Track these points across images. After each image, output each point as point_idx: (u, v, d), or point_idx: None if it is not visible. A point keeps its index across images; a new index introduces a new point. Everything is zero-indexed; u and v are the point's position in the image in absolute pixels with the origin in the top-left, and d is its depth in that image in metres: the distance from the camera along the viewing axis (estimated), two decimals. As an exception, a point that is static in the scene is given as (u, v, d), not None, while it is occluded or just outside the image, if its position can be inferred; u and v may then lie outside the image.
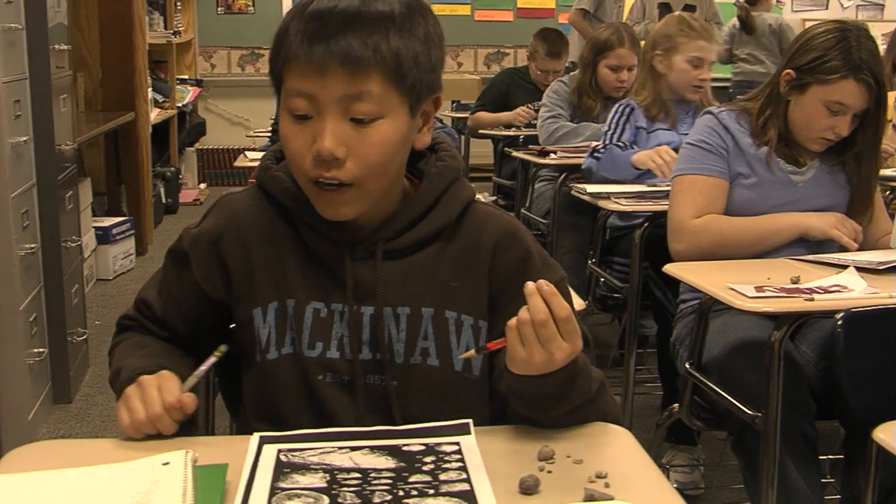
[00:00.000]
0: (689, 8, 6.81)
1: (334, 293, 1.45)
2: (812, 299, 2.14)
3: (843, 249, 2.56)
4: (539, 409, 1.36)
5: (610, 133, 3.69)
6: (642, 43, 4.14)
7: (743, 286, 2.19)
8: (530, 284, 1.28)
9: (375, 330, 1.45)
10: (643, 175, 3.51)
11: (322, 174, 1.35)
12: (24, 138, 3.45)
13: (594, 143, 4.18)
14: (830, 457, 2.56)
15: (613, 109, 3.77)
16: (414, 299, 1.45)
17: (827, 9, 9.63)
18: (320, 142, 1.33)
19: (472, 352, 1.40)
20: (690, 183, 2.68)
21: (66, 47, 3.99)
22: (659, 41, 3.64)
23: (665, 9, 6.91)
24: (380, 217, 1.45)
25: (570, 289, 2.26)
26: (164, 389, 1.36)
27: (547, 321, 1.26)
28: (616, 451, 1.34)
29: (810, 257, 2.50)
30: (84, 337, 4.00)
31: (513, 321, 1.29)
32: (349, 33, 1.31)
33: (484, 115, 5.62)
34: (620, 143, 3.62)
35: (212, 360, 1.45)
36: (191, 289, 1.52)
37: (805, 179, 2.66)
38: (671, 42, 3.61)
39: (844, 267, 2.35)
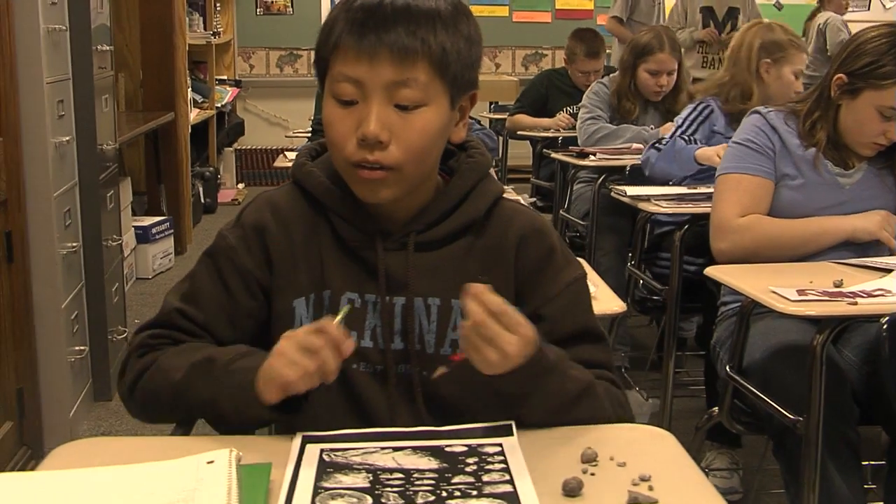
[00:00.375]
0: (733, 11, 6.73)
1: (368, 284, 1.48)
2: (855, 303, 2.12)
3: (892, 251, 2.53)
4: (512, 406, 1.37)
5: (681, 130, 3.62)
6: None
7: (785, 289, 2.17)
8: (465, 289, 1.30)
9: (406, 320, 1.47)
10: (703, 171, 3.47)
11: (366, 157, 1.38)
12: (67, 138, 3.49)
13: (635, 145, 4.19)
14: (873, 462, 2.53)
15: (691, 106, 3.68)
16: (444, 291, 1.48)
17: (869, 10, 9.54)
18: (366, 125, 1.36)
19: (443, 369, 1.41)
20: (736, 182, 2.66)
21: (108, 48, 4.03)
22: (768, 49, 3.50)
23: (708, 13, 6.80)
24: (412, 209, 1.49)
25: (611, 290, 2.29)
26: (322, 328, 1.32)
27: (483, 321, 1.27)
28: (659, 454, 1.33)
29: (854, 261, 2.48)
30: (124, 335, 4.03)
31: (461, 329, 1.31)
32: (399, 24, 1.36)
33: (523, 119, 5.60)
34: (685, 138, 3.57)
35: (341, 315, 1.40)
36: (239, 284, 1.49)
37: (852, 182, 2.63)
38: (783, 52, 3.51)
39: (889, 271, 2.33)
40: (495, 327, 1.28)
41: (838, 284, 2.24)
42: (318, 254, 1.49)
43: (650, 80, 4.39)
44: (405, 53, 1.36)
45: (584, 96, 4.64)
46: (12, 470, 3.01)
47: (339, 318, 1.36)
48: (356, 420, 1.45)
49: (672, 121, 4.39)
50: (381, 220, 1.48)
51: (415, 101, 1.38)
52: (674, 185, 3.55)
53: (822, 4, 7.65)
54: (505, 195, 1.57)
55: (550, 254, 1.52)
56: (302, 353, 1.30)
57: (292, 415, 1.36)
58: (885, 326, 2.02)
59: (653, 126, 4.39)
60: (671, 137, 3.60)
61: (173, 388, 1.42)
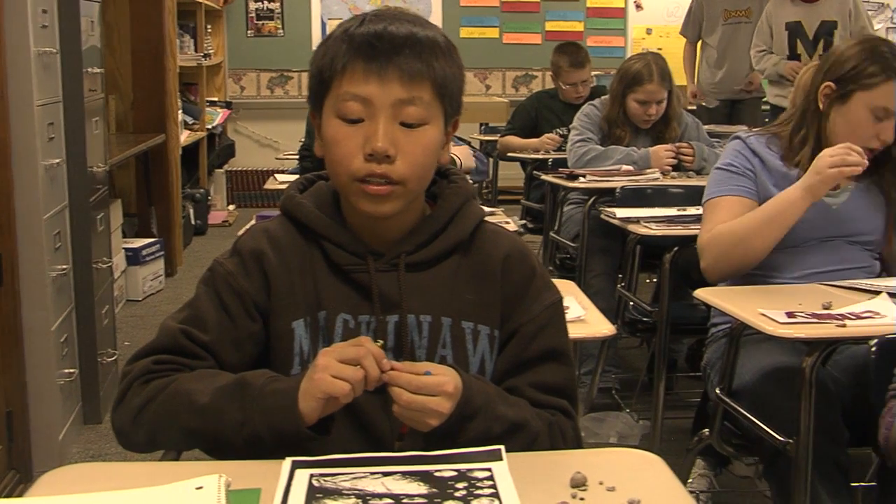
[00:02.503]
0: (828, 25, 5.96)
1: (361, 305, 1.53)
2: (844, 325, 2.13)
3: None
4: (442, 442, 1.41)
5: None
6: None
7: (774, 312, 2.18)
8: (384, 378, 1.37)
9: (400, 337, 1.52)
10: None
11: (374, 170, 1.46)
12: (58, 160, 3.49)
13: (625, 167, 4.19)
14: (863, 484, 2.53)
15: None
16: (435, 308, 1.54)
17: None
18: (374, 141, 1.45)
19: (400, 443, 1.48)
20: (715, 205, 2.69)
21: (99, 70, 4.03)
22: None
23: (795, 30, 6.00)
24: (401, 231, 1.55)
25: (600, 313, 2.29)
26: (359, 341, 1.39)
27: (409, 401, 1.36)
28: (648, 478, 1.34)
29: (843, 283, 2.49)
30: (114, 358, 4.02)
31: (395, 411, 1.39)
32: (407, 48, 1.46)
33: (513, 140, 5.61)
34: None
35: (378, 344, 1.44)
36: (239, 307, 1.52)
37: (840, 202, 2.64)
38: None
39: (877, 293, 2.34)
40: (421, 399, 1.36)
41: (827, 307, 2.25)
42: (312, 278, 1.54)
43: (639, 110, 4.38)
44: (413, 74, 1.46)
45: (575, 118, 4.63)
46: (0, 494, 2.99)
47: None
48: (356, 433, 1.49)
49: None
50: (372, 243, 1.54)
51: (419, 119, 1.47)
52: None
53: None
54: (493, 217, 1.61)
55: (532, 275, 1.59)
56: (345, 365, 1.35)
57: (326, 435, 1.40)
58: (873, 349, 2.03)
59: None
60: None
61: (198, 411, 1.42)
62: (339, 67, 1.47)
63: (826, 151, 2.52)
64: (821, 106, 2.64)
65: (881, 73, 2.55)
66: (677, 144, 4.37)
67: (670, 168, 4.31)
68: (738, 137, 2.75)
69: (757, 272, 2.61)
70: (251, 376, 1.44)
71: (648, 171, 4.22)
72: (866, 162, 2.50)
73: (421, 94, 1.47)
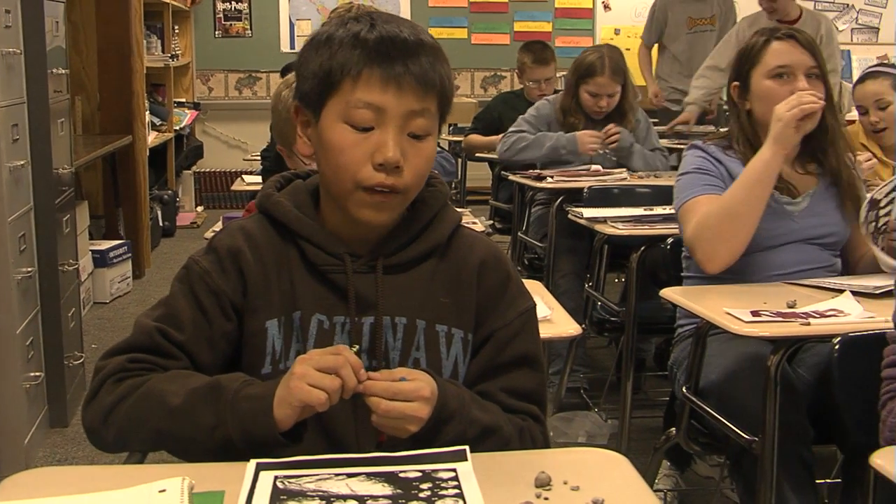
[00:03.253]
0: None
1: (337, 306, 1.53)
2: (808, 324, 2.15)
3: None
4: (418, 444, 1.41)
5: None
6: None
7: (739, 311, 2.20)
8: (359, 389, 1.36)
9: (374, 338, 1.52)
10: None
11: (383, 181, 1.45)
12: (22, 162, 3.46)
13: (594, 166, 4.20)
14: (828, 481, 2.55)
15: None
16: (410, 310, 1.54)
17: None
18: (386, 150, 1.44)
19: (377, 451, 1.46)
20: (692, 206, 2.64)
21: (64, 71, 4.00)
22: None
23: None
24: (380, 233, 1.54)
25: (566, 313, 2.30)
26: (337, 349, 1.38)
27: (386, 408, 1.35)
28: (613, 477, 1.34)
29: (807, 282, 2.50)
30: (81, 360, 3.99)
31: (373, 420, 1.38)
32: (420, 56, 1.46)
33: (475, 138, 5.62)
34: None
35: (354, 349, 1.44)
36: (215, 306, 1.51)
37: (800, 209, 2.65)
38: None
39: (840, 291, 2.36)
40: (399, 406, 1.35)
41: (791, 305, 2.27)
42: (288, 277, 1.53)
43: (590, 101, 4.39)
44: (427, 85, 1.46)
45: (527, 111, 4.65)
46: (-34, 498, 2.97)
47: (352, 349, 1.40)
48: (322, 436, 1.48)
49: None
50: (350, 245, 1.53)
51: (425, 131, 1.48)
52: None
53: None
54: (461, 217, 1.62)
55: (507, 281, 1.59)
56: (323, 374, 1.34)
57: (298, 443, 1.39)
58: (836, 347, 2.04)
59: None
60: None
61: (170, 413, 1.41)
62: (353, 72, 1.44)
63: (792, 99, 2.55)
64: (740, 105, 2.72)
65: (759, 41, 2.67)
66: (605, 128, 4.37)
67: (597, 153, 4.36)
68: (695, 146, 2.76)
69: (721, 275, 2.61)
70: (225, 380, 1.43)
71: (616, 171, 4.23)
72: (822, 101, 2.55)
73: (429, 106, 1.47)
